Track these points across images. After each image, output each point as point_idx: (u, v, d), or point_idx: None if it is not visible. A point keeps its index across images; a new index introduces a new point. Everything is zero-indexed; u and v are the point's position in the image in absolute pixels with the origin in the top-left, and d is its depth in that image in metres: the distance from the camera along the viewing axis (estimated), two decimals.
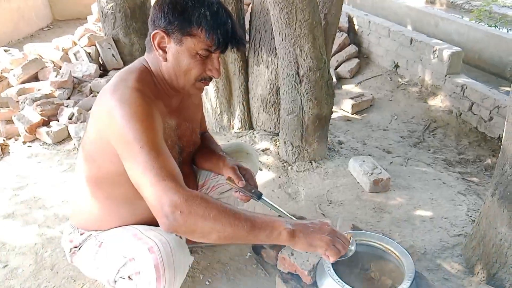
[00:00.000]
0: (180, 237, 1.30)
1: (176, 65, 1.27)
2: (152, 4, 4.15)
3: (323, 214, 2.26)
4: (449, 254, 1.97)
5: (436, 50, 3.74)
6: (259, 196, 1.42)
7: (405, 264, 1.40)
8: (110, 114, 1.19)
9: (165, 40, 1.25)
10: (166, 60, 1.28)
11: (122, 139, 1.17)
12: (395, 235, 2.07)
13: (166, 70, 1.31)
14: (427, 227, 2.17)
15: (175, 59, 1.27)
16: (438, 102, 3.71)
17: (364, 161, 2.54)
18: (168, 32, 1.23)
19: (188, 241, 1.50)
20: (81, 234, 1.46)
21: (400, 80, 4.14)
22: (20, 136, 3.07)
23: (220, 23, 1.22)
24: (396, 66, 4.25)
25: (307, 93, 2.43)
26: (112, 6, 3.93)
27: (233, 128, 3.12)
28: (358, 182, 2.51)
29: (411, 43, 4.04)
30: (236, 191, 1.48)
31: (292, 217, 1.44)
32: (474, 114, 3.36)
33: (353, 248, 1.23)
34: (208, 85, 1.37)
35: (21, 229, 2.21)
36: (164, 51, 1.27)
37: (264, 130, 3.03)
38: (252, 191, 1.44)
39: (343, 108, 3.70)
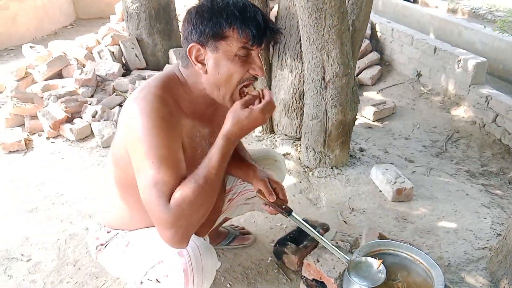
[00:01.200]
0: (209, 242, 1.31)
1: (216, 73, 1.23)
2: (175, 5, 4.14)
3: (345, 222, 2.24)
4: (474, 267, 1.94)
5: (460, 59, 3.70)
6: (289, 212, 1.40)
7: (434, 275, 1.38)
8: (130, 122, 1.21)
9: (201, 52, 1.22)
10: (206, 72, 1.25)
11: (137, 150, 1.19)
12: (419, 246, 2.04)
13: (207, 83, 1.27)
14: (451, 239, 2.14)
15: (214, 68, 1.23)
16: (461, 112, 3.66)
17: (387, 169, 2.52)
18: (203, 43, 1.21)
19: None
20: (107, 232, 1.47)
21: (422, 88, 4.10)
22: (44, 131, 3.11)
23: (250, 16, 1.19)
24: (419, 74, 4.21)
25: (332, 99, 2.41)
26: (137, 7, 3.97)
27: (254, 132, 3.11)
28: (381, 191, 2.48)
29: (434, 52, 4.00)
30: (265, 204, 1.47)
31: (321, 237, 1.43)
32: (498, 126, 3.30)
33: (383, 276, 1.22)
34: (251, 86, 1.29)
35: (44, 224, 2.24)
36: (203, 63, 1.24)
37: (285, 135, 3.02)
38: (282, 206, 1.42)
39: (364, 115, 3.67)
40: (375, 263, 1.39)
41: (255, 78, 1.27)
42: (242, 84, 1.26)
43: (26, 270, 1.95)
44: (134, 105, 1.21)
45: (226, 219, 1.90)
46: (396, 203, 2.39)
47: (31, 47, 4.05)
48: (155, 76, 1.32)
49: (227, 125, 1.20)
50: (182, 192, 1.13)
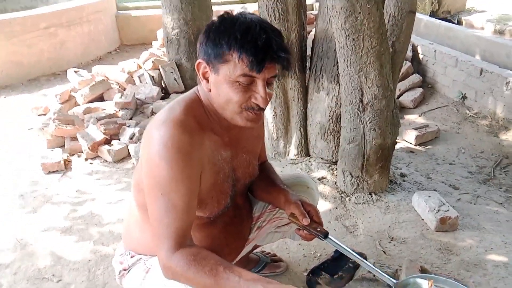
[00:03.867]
0: None
1: (217, 95, 1.20)
2: None
3: (383, 252, 2.11)
4: None
5: (509, 81, 3.52)
6: (325, 235, 1.32)
7: None
8: (147, 148, 1.19)
9: (207, 70, 1.20)
10: (210, 90, 1.22)
11: (149, 178, 1.19)
12: (466, 281, 1.88)
13: (213, 100, 1.24)
14: (501, 274, 1.96)
15: (216, 89, 1.20)
16: (510, 137, 3.45)
17: (429, 196, 2.37)
18: (208, 62, 1.19)
19: None
20: (131, 257, 1.44)
21: (468, 112, 3.92)
22: (82, 152, 3.17)
23: (250, 40, 1.10)
24: (464, 97, 4.03)
25: (370, 122, 2.32)
26: (177, 33, 4.05)
27: (288, 155, 3.05)
28: (423, 219, 2.34)
29: (481, 74, 3.83)
30: (299, 229, 1.39)
31: (361, 258, 1.35)
32: None
33: None
34: (259, 116, 1.23)
35: (76, 245, 2.25)
36: (208, 81, 1.22)
37: (321, 158, 2.93)
38: (317, 229, 1.33)
39: (405, 139, 3.53)
40: (425, 284, 1.27)
41: (260, 107, 1.20)
42: (247, 110, 1.20)
43: None
44: (154, 130, 1.20)
45: (256, 246, 1.83)
46: (439, 233, 2.23)
47: (75, 71, 4.20)
48: (177, 98, 1.30)
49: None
50: (188, 267, 1.13)
